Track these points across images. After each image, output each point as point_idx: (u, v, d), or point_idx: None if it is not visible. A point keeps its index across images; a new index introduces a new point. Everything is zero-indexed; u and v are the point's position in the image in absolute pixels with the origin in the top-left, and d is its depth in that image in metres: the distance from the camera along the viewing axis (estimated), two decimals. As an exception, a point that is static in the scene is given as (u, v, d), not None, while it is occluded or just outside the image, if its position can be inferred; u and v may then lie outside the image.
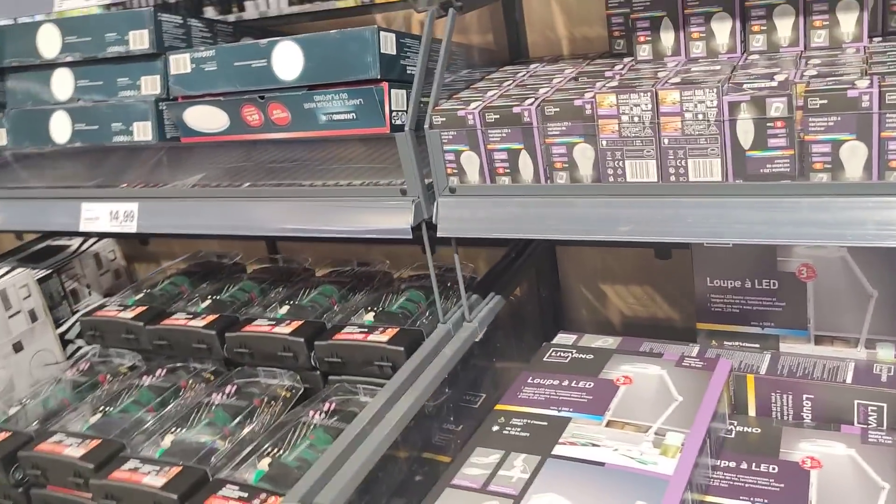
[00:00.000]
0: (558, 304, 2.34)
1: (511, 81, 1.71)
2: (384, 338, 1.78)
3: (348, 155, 1.80)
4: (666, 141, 1.38)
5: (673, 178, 1.40)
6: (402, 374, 1.60)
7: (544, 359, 1.80)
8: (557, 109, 1.44)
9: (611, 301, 2.28)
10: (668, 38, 1.65)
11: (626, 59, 1.73)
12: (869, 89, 1.23)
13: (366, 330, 1.83)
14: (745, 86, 1.33)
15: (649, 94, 1.36)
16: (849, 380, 1.63)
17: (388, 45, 1.58)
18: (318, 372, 1.87)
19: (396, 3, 2.04)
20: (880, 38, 1.53)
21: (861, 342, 1.71)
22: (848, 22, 1.52)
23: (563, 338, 1.97)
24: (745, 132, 1.32)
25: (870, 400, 1.59)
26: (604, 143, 1.43)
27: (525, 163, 1.51)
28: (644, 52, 1.68)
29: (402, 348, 1.73)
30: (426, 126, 1.55)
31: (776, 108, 1.29)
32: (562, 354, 1.80)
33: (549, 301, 2.30)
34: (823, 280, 1.70)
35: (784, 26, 1.56)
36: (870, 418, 1.60)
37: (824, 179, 1.30)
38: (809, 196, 1.30)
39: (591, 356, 1.77)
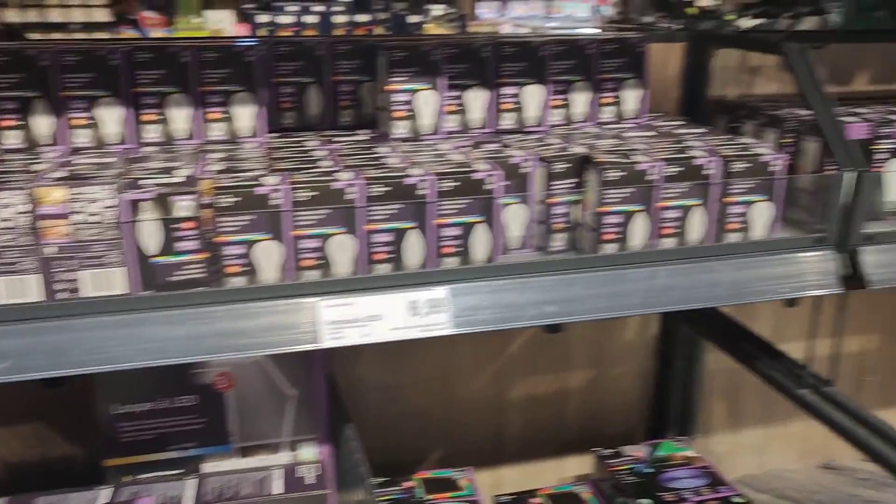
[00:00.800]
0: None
1: None
2: None
3: None
4: (50, 250, 1.09)
5: (63, 296, 1.11)
6: None
7: None
8: None
9: (-10, 448, 1.81)
10: (42, 123, 1.35)
11: (-15, 148, 1.38)
12: (278, 186, 1.15)
13: None
14: (146, 182, 1.13)
15: (25, 192, 1.07)
16: (278, 490, 1.53)
17: None
18: None
19: None
20: (277, 135, 1.50)
21: (285, 446, 1.63)
22: (245, 116, 1.45)
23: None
24: (150, 235, 1.12)
25: (300, 507, 1.51)
26: (-38, 255, 1.08)
27: None
28: (13, 139, 1.36)
29: None
30: None
31: (184, 207, 1.12)
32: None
33: None
34: (243, 387, 1.58)
35: (179, 117, 1.41)
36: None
37: (241, 284, 1.18)
38: (228, 303, 1.16)
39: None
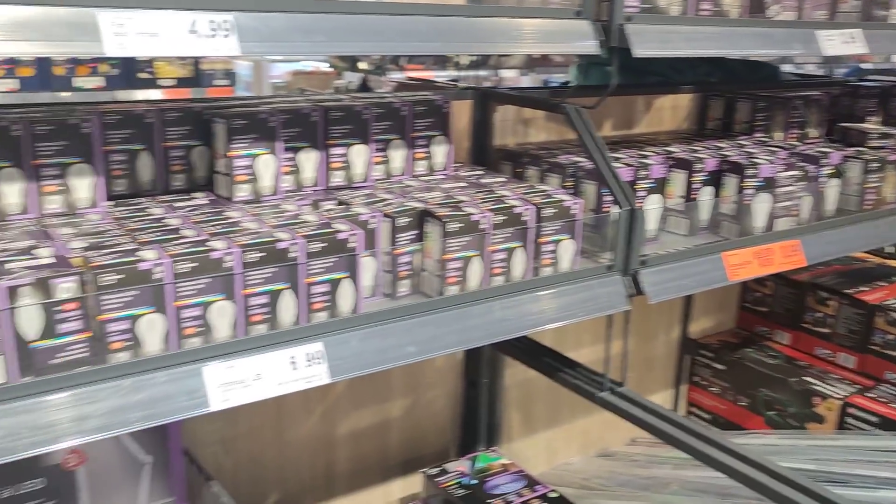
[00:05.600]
0: None
1: None
2: None
3: None
4: (-80, 345, 1.04)
5: (-65, 392, 1.06)
6: None
7: None
8: None
9: None
10: None
11: None
12: (161, 260, 1.19)
13: None
14: (11, 266, 1.11)
15: None
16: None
17: None
18: None
19: None
20: (113, 203, 1.49)
21: (137, 514, 1.61)
22: (82, 187, 1.43)
23: None
24: (30, 321, 1.11)
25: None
26: None
27: None
28: None
29: None
30: None
31: (65, 289, 1.12)
32: None
33: None
34: (94, 462, 1.54)
35: (12, 192, 1.37)
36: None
37: (126, 358, 1.19)
38: (114, 379, 1.17)
39: None
